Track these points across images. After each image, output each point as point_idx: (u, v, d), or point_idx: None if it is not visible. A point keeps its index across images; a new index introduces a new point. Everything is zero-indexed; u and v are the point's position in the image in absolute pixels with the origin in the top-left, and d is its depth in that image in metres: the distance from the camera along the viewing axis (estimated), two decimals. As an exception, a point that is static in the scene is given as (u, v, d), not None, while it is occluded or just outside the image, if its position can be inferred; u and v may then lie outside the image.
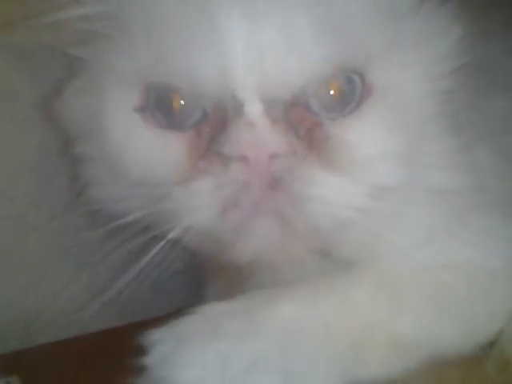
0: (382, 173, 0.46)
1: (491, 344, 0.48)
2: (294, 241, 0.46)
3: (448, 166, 0.49)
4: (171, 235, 0.44)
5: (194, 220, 0.44)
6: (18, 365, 0.54)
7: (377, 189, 0.45)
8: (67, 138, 0.53)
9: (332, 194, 0.44)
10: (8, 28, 0.51)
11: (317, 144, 0.44)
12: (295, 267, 0.49)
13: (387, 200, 0.46)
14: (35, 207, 0.59)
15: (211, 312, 0.45)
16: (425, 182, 0.49)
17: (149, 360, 0.42)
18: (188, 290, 0.62)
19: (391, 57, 0.46)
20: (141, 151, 0.46)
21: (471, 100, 0.52)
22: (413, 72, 0.47)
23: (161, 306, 0.62)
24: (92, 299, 0.51)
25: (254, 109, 0.43)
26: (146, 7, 0.44)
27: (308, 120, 0.44)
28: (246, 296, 0.46)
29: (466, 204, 0.50)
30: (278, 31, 0.42)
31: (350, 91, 0.45)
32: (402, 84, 0.47)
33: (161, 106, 0.46)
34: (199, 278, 0.60)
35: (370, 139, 0.45)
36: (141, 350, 0.42)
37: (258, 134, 0.42)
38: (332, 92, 0.45)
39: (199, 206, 0.44)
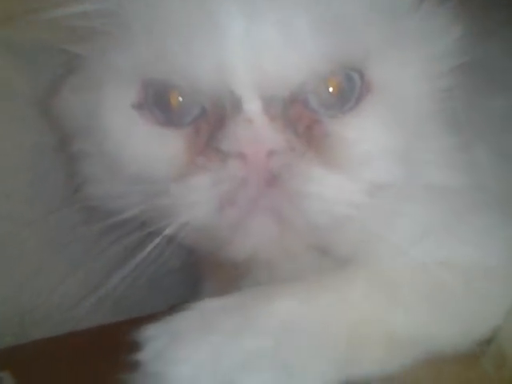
0: (380, 170, 0.46)
1: (488, 341, 0.48)
2: (291, 238, 0.46)
3: (446, 164, 0.49)
4: (168, 231, 0.44)
5: (191, 216, 0.44)
6: (11, 360, 0.54)
7: (375, 186, 0.45)
8: (64, 135, 0.53)
9: (330, 191, 0.44)
10: (7, 23, 0.51)
11: (315, 141, 0.44)
12: (292, 264, 0.49)
13: (385, 197, 0.46)
14: (31, 204, 0.58)
15: (205, 308, 0.44)
16: (423, 179, 0.49)
17: (143, 356, 0.42)
18: (184, 288, 0.62)
19: (390, 55, 0.46)
20: (138, 148, 0.46)
21: (470, 99, 0.52)
22: (412, 70, 0.47)
23: (157, 303, 0.62)
24: (88, 295, 0.50)
25: (252, 106, 0.43)
26: (145, 4, 0.44)
27: (306, 117, 0.44)
28: (241, 292, 0.46)
29: (464, 202, 0.50)
30: (276, 28, 0.42)
31: (349, 88, 0.45)
32: (401, 82, 0.47)
33: (159, 102, 0.46)
34: (195, 275, 0.59)
35: (368, 136, 0.45)
36: (135, 346, 0.42)
37: (256, 131, 0.42)
38: (331, 89, 0.45)
39: (197, 202, 0.43)
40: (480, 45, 0.55)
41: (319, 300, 0.46)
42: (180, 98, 0.45)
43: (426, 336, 0.47)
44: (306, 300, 0.45)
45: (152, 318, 0.43)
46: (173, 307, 0.44)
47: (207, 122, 0.44)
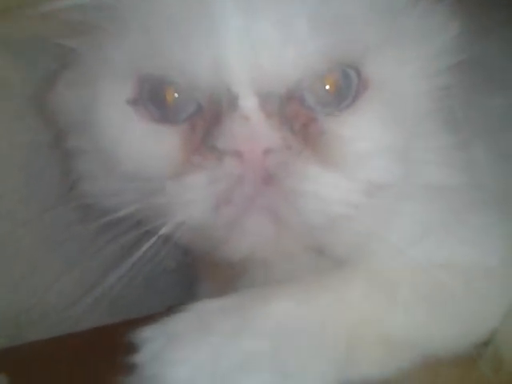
0: (377, 169, 0.45)
1: (486, 344, 0.48)
2: (287, 237, 0.45)
3: (444, 162, 0.49)
4: (164, 230, 0.44)
5: (187, 215, 0.43)
6: (6, 362, 0.54)
7: (372, 185, 0.45)
8: (59, 131, 0.52)
9: (326, 189, 0.43)
10: (2, 17, 0.50)
11: (312, 139, 0.44)
12: (289, 264, 0.49)
13: (383, 197, 0.46)
14: (26, 203, 0.58)
15: (202, 309, 0.44)
16: (421, 178, 0.49)
17: (140, 358, 0.41)
18: (180, 288, 0.62)
19: (388, 52, 0.46)
20: (134, 145, 0.46)
21: (468, 97, 0.51)
22: (409, 68, 0.47)
23: (153, 304, 0.61)
24: (84, 294, 0.50)
25: (248, 103, 0.42)
26: None
27: (303, 115, 0.44)
28: (238, 293, 0.46)
29: (463, 201, 0.50)
30: (273, 25, 0.42)
31: (346, 86, 0.45)
32: (399, 80, 0.47)
33: (154, 98, 0.45)
34: (191, 275, 0.59)
35: (365, 135, 0.45)
36: (132, 348, 0.41)
37: (253, 128, 0.42)
38: (327, 87, 0.45)
39: (192, 201, 0.43)
40: (478, 43, 0.54)
41: (317, 300, 0.45)
42: (176, 95, 0.44)
43: (424, 337, 0.46)
44: (304, 301, 0.45)
45: (149, 319, 0.43)
46: (170, 308, 0.44)
47: (203, 118, 0.44)
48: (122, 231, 0.46)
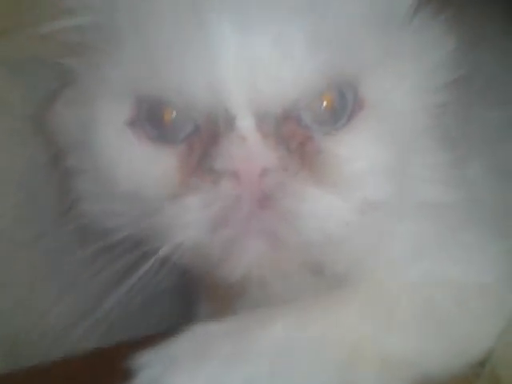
0: (373, 187, 0.45)
1: (482, 363, 0.48)
2: (285, 257, 0.45)
3: (440, 179, 0.49)
4: (162, 252, 0.44)
5: (184, 236, 0.43)
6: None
7: (368, 204, 0.45)
8: (58, 151, 0.52)
9: (323, 209, 0.43)
10: (1, 37, 0.50)
11: (308, 158, 0.44)
12: (287, 284, 0.48)
13: (379, 215, 0.46)
14: (23, 223, 0.58)
15: (200, 333, 0.44)
16: (416, 196, 0.49)
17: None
18: (179, 307, 0.61)
19: (384, 70, 0.46)
20: (131, 165, 0.46)
21: (465, 112, 0.51)
22: (406, 85, 0.47)
23: (151, 323, 0.61)
24: (82, 317, 0.50)
25: (245, 123, 0.42)
26: (138, 19, 0.44)
27: (300, 134, 0.44)
28: (236, 316, 0.45)
29: (458, 219, 0.50)
30: (270, 45, 0.42)
31: (342, 105, 0.45)
32: (395, 97, 0.47)
33: (152, 119, 0.45)
34: (190, 295, 0.59)
35: (361, 154, 0.45)
36: (130, 373, 0.41)
37: (250, 149, 0.42)
38: (324, 105, 0.45)
39: (189, 223, 0.43)
40: (475, 56, 0.55)
41: (316, 322, 0.45)
42: (173, 114, 0.45)
43: (421, 356, 0.46)
44: (303, 322, 0.45)
45: (147, 341, 0.42)
46: (168, 330, 0.44)
47: (200, 139, 0.44)
48: (120, 253, 0.46)
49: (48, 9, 0.46)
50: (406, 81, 0.47)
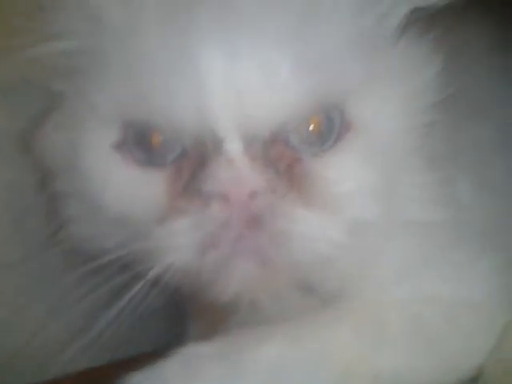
0: (361, 208, 0.45)
1: (474, 379, 0.48)
2: (275, 278, 0.45)
3: (428, 199, 0.49)
4: (151, 274, 0.44)
5: (174, 259, 0.43)
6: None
7: (356, 224, 0.45)
8: (45, 174, 0.52)
9: (312, 230, 0.44)
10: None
11: (297, 180, 0.44)
12: (278, 303, 0.49)
13: (367, 235, 0.46)
14: (10, 245, 0.57)
15: (191, 354, 0.43)
16: (405, 215, 0.49)
17: None
18: (169, 327, 0.61)
19: (371, 91, 0.46)
20: (119, 189, 0.46)
21: (452, 131, 0.52)
22: (393, 106, 0.47)
23: (141, 343, 0.61)
24: (71, 340, 0.49)
25: (233, 146, 0.42)
26: (125, 44, 0.44)
27: (288, 156, 0.44)
28: (227, 336, 0.45)
29: (447, 237, 0.50)
30: (256, 69, 0.42)
31: (329, 127, 0.45)
32: (382, 118, 0.47)
33: (139, 142, 0.45)
34: (180, 314, 0.59)
35: (348, 175, 0.45)
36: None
37: (238, 172, 0.42)
38: (311, 127, 0.45)
39: (179, 246, 0.43)
40: (461, 75, 0.55)
41: (307, 342, 0.45)
42: (161, 138, 0.45)
43: (412, 374, 0.46)
44: (294, 343, 0.45)
45: (136, 361, 0.42)
46: (158, 349, 0.43)
47: (188, 162, 0.44)
48: (108, 275, 0.46)
49: (35, 33, 0.46)
50: (393, 102, 0.47)
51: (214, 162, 0.42)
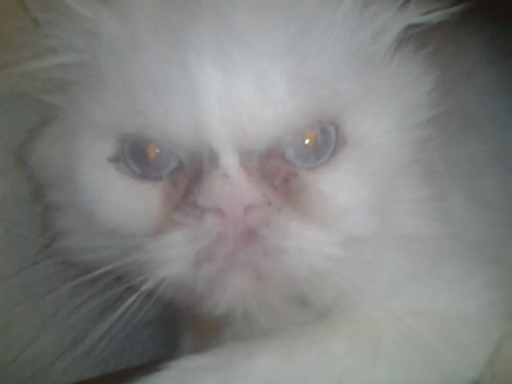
0: (356, 222, 0.45)
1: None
2: (269, 291, 0.45)
3: (422, 213, 0.49)
4: (145, 287, 0.44)
5: (168, 272, 0.43)
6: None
7: (351, 238, 0.45)
8: (40, 186, 0.52)
9: (307, 244, 0.44)
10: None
11: (292, 194, 0.44)
12: (272, 317, 0.48)
13: (361, 249, 0.46)
14: (3, 257, 0.57)
15: (184, 367, 0.44)
16: (399, 229, 0.49)
17: None
18: (162, 340, 0.61)
19: (366, 106, 0.47)
20: (114, 202, 0.46)
21: (446, 147, 0.52)
22: (387, 121, 0.47)
23: (134, 355, 0.60)
24: (63, 352, 0.49)
25: (229, 160, 0.43)
26: (121, 58, 0.44)
27: (283, 170, 0.44)
28: (220, 349, 0.45)
29: (440, 251, 0.50)
30: (252, 84, 0.42)
31: (325, 142, 0.45)
32: (377, 133, 0.47)
33: (135, 155, 0.45)
34: (173, 327, 0.58)
35: (343, 190, 0.45)
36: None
37: (234, 186, 0.42)
38: (307, 142, 0.45)
39: (173, 259, 0.43)
40: (455, 91, 0.55)
41: (301, 355, 0.45)
42: (157, 151, 0.45)
43: None
44: (287, 356, 0.45)
45: (128, 373, 0.42)
46: (151, 361, 0.43)
47: (184, 175, 0.44)
48: (102, 288, 0.46)
49: (32, 47, 0.46)
50: (388, 117, 0.47)
51: (210, 175, 0.42)
